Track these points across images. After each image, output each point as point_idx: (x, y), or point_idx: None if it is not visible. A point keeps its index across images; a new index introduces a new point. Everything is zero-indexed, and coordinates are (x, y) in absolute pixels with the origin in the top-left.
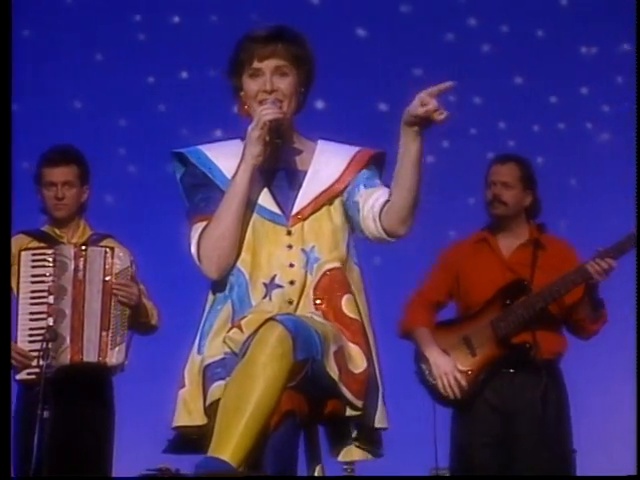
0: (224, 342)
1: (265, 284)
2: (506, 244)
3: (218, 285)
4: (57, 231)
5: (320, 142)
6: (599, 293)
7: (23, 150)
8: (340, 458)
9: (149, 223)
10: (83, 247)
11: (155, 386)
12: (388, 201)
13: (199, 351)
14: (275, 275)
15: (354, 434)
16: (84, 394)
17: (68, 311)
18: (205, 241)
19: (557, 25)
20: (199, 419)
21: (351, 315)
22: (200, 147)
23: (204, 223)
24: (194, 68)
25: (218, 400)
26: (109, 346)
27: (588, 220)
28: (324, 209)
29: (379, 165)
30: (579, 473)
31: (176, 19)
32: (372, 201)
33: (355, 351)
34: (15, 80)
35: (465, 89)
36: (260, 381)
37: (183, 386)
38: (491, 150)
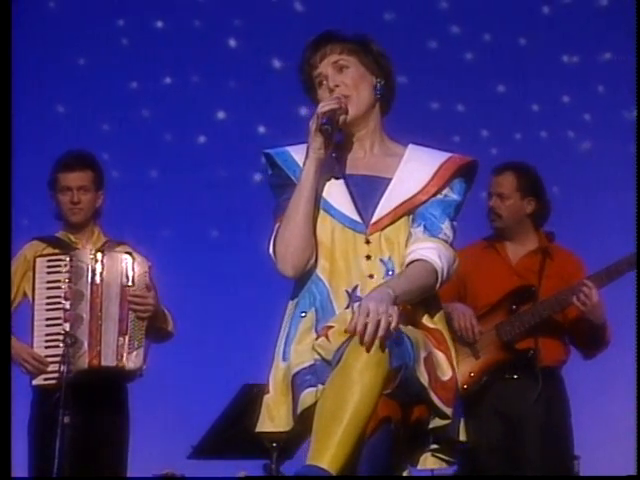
0: (313, 349)
1: (348, 292)
2: (513, 250)
3: (298, 292)
4: (72, 237)
5: (410, 147)
6: (592, 320)
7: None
8: (419, 466)
9: (132, 228)
10: (100, 252)
11: (170, 392)
12: (409, 264)
13: (284, 358)
14: (357, 286)
15: (435, 445)
16: (102, 399)
17: (85, 316)
18: (278, 240)
19: (539, 34)
20: (282, 425)
21: (430, 325)
22: (288, 148)
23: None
24: (177, 73)
25: (310, 407)
26: (127, 350)
27: (571, 228)
28: (403, 219)
29: (468, 175)
30: (579, 473)
31: (159, 24)
32: (410, 249)
33: (442, 358)
34: None
35: (448, 97)
36: (357, 388)
37: (268, 392)
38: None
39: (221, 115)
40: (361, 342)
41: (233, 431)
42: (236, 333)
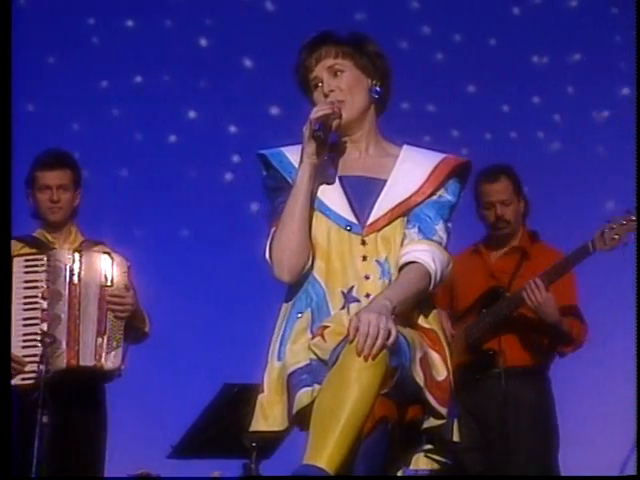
0: (309, 349)
1: (343, 293)
2: (495, 253)
3: (294, 293)
4: (49, 237)
5: (405, 148)
6: (544, 318)
7: None
8: (411, 466)
9: (103, 227)
10: (78, 252)
11: (149, 392)
12: (403, 266)
13: (279, 357)
14: (353, 286)
15: (428, 445)
16: (81, 398)
17: (64, 316)
18: (274, 245)
19: (509, 34)
20: (276, 425)
21: (425, 325)
22: (283, 149)
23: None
24: (148, 72)
25: (305, 407)
26: (105, 350)
27: (540, 228)
28: (398, 220)
29: (462, 176)
30: (579, 473)
31: (130, 23)
32: (404, 251)
33: (437, 359)
34: None
35: (418, 97)
36: (355, 387)
37: (262, 391)
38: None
39: (192, 114)
40: (359, 355)
41: (213, 431)
42: (214, 332)
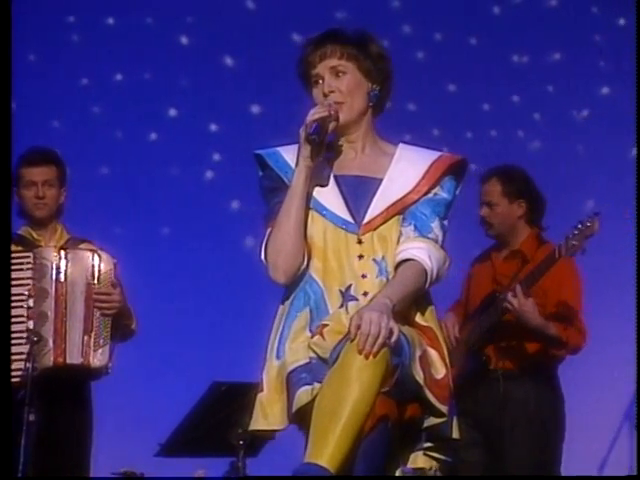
0: (309, 347)
1: (341, 291)
2: (501, 255)
3: (292, 292)
4: (34, 234)
5: (400, 147)
6: (525, 323)
7: None
8: (410, 464)
9: (83, 225)
10: (64, 249)
11: (136, 390)
12: (400, 263)
13: (277, 356)
14: (350, 285)
15: (427, 443)
16: (67, 396)
17: (50, 313)
18: (269, 246)
19: (490, 34)
20: (276, 423)
21: (423, 323)
22: (279, 149)
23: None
24: (129, 70)
25: (306, 405)
26: (92, 348)
27: None
28: (394, 219)
29: (458, 173)
30: (579, 473)
31: (110, 21)
32: (400, 249)
33: (435, 356)
34: None
35: (399, 96)
36: (356, 386)
37: (261, 390)
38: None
39: (173, 112)
40: (360, 353)
41: (201, 429)
42: (199, 329)
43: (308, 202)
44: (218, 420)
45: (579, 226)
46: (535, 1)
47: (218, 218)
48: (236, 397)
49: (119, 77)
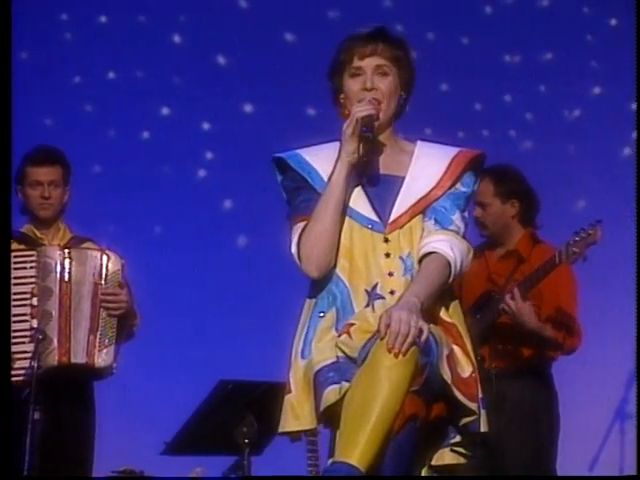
0: (336, 346)
1: (367, 291)
2: (495, 254)
3: (318, 291)
4: (37, 233)
5: (419, 144)
6: (522, 325)
7: None
8: (433, 462)
9: (75, 225)
10: (68, 248)
11: (140, 389)
12: (423, 257)
13: (302, 356)
14: (377, 284)
15: (456, 439)
16: (72, 396)
17: (54, 312)
18: (304, 240)
19: (482, 33)
20: (307, 423)
21: (447, 319)
22: (299, 151)
23: (304, 223)
24: (121, 68)
25: (334, 404)
26: (97, 348)
27: None
28: (419, 216)
29: (476, 167)
30: (574, 472)
31: (103, 19)
32: (422, 243)
33: (460, 354)
34: None
35: None
36: (385, 385)
37: (289, 392)
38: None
39: (165, 111)
40: (390, 352)
41: (207, 427)
42: (193, 329)
43: (347, 199)
44: (224, 419)
45: (580, 233)
46: (527, 1)
47: (210, 217)
48: (242, 396)
49: (112, 75)
